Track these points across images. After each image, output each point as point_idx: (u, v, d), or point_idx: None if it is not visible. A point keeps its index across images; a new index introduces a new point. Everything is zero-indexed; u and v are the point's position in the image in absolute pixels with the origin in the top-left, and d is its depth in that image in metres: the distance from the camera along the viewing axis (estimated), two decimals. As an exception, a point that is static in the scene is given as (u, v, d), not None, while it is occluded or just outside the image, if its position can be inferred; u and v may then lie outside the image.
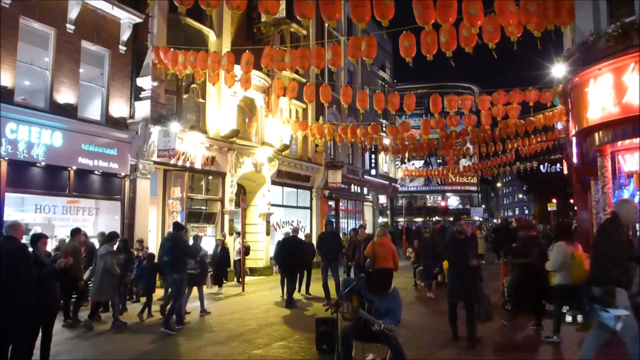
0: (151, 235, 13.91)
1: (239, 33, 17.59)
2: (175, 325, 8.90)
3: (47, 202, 11.74)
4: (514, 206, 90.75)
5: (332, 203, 24.59)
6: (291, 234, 12.63)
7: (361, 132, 16.40)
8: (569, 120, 11.11)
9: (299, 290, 12.79)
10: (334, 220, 23.09)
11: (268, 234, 18.54)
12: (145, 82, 13.58)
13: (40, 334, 6.08)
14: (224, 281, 14.19)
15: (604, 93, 8.44)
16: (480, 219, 49.99)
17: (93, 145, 12.28)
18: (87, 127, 12.23)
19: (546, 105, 14.60)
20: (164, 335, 8.49)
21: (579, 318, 8.72)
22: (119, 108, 13.29)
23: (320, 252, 12.28)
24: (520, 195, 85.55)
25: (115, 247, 9.62)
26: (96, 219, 12.94)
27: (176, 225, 9.65)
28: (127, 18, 13.23)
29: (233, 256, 15.60)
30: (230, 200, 16.56)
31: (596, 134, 8.84)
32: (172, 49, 12.19)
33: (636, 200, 9.31)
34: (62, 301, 8.82)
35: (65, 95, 11.86)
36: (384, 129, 22.79)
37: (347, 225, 26.03)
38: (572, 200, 28.55)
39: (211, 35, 16.29)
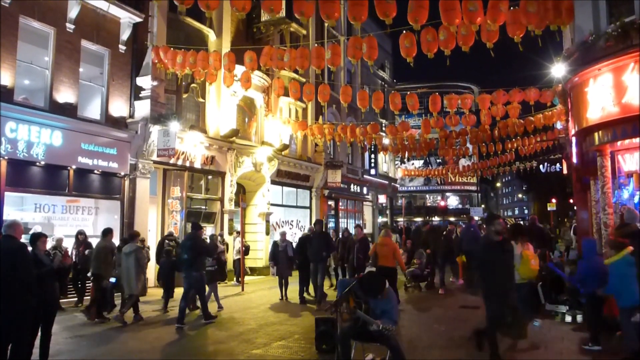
0: (151, 235, 13.90)
1: (239, 33, 17.59)
2: (181, 322, 9.05)
3: (46, 201, 11.74)
4: (514, 206, 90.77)
5: (331, 203, 24.59)
6: (280, 237, 12.89)
7: (361, 131, 16.40)
8: (569, 120, 11.11)
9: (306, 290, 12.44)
10: (322, 219, 22.93)
11: (268, 233, 18.54)
12: (145, 82, 13.57)
13: (39, 333, 6.08)
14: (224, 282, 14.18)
15: (604, 93, 8.43)
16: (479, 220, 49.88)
17: (93, 144, 12.27)
18: (86, 127, 12.23)
19: (546, 104, 14.60)
20: (164, 334, 8.50)
21: (579, 318, 8.73)
22: (118, 107, 13.28)
23: (308, 252, 11.67)
24: (520, 195, 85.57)
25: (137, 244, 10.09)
26: (96, 219, 12.94)
27: (194, 224, 10.01)
28: (127, 17, 13.22)
29: (232, 256, 15.61)
30: (230, 200, 16.55)
31: (596, 134, 8.82)
32: (171, 49, 12.18)
33: (636, 200, 9.32)
34: (95, 300, 9.57)
35: (65, 95, 11.86)
36: (383, 128, 22.80)
37: (347, 224, 25.99)
38: (571, 200, 28.57)
39: (211, 35, 16.29)
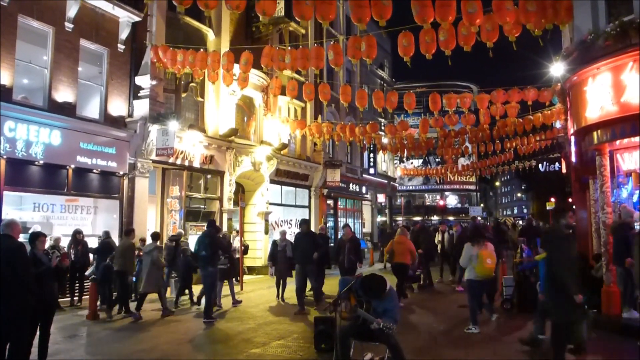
0: (150, 234, 13.85)
1: (238, 32, 17.58)
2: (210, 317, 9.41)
3: (45, 200, 11.72)
4: (513, 205, 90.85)
5: (330, 202, 24.57)
6: (280, 237, 12.82)
7: (360, 131, 16.39)
8: (568, 119, 11.09)
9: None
10: (308, 218, 22.71)
11: (267, 232, 18.53)
12: (144, 81, 13.56)
13: (38, 333, 6.07)
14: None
15: (603, 92, 8.43)
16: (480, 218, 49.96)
17: (92, 143, 12.25)
18: (85, 126, 12.21)
19: (545, 104, 14.59)
20: (162, 333, 8.50)
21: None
22: (117, 107, 13.27)
23: (294, 254, 11.31)
24: (519, 194, 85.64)
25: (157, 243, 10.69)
26: (95, 218, 12.93)
27: (212, 223, 10.55)
28: (126, 17, 13.19)
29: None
30: (229, 199, 16.54)
31: (595, 133, 8.82)
32: (171, 48, 12.16)
33: (635, 199, 9.33)
34: (119, 295, 10.14)
35: (63, 94, 11.84)
36: (382, 127, 22.78)
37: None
38: (570, 199, 28.59)
39: (210, 34, 16.27)
